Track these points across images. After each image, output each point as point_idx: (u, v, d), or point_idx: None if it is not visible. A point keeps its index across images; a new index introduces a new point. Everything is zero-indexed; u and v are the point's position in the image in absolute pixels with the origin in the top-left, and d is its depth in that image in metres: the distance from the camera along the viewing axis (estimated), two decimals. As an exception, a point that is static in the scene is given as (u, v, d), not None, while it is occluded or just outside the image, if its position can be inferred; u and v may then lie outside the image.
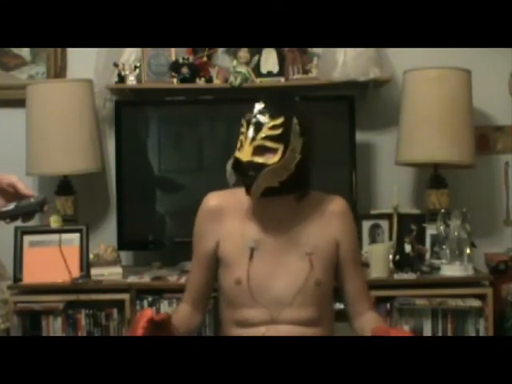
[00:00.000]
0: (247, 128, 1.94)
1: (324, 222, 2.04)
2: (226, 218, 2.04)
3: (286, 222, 2.02)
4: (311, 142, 1.98)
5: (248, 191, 1.97)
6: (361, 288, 2.09)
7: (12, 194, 1.63)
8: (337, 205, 2.07)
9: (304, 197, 2.03)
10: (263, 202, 2.00)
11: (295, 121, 1.93)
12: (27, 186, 1.65)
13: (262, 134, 1.92)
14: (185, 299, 2.13)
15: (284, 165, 1.93)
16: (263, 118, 1.92)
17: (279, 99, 2.00)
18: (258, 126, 1.92)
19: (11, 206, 1.59)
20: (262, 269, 1.99)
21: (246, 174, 1.93)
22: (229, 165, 2.02)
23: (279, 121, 1.92)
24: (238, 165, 1.95)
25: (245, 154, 1.92)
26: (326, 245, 2.03)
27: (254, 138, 1.92)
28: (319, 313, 2.02)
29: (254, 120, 1.93)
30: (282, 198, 1.99)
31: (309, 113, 2.01)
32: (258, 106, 1.94)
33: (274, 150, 1.92)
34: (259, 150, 1.92)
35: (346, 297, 2.09)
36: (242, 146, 1.94)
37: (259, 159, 1.92)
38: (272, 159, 1.92)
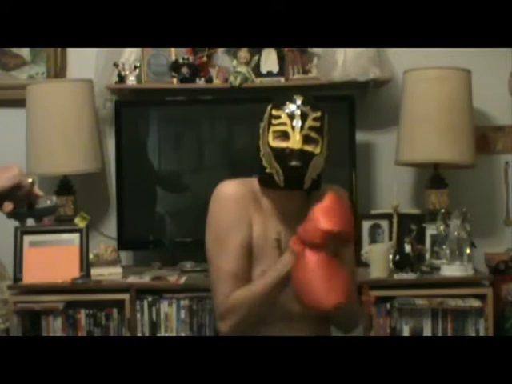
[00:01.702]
0: (290, 119, 1.94)
1: None
2: (247, 205, 2.02)
3: (300, 215, 2.00)
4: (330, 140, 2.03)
5: (274, 184, 1.96)
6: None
7: (21, 195, 1.62)
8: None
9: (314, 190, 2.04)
10: (280, 195, 2.01)
11: (327, 116, 1.99)
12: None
13: (308, 125, 1.94)
14: (229, 291, 1.96)
15: (323, 157, 1.97)
16: (307, 109, 1.95)
17: (311, 96, 2.02)
18: (304, 117, 1.94)
19: (24, 206, 1.60)
20: None
21: (290, 166, 1.93)
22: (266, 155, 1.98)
23: (319, 114, 1.97)
24: (283, 155, 1.94)
25: (295, 142, 1.93)
26: None
27: (302, 127, 1.94)
28: None
29: (298, 111, 1.94)
30: (299, 191, 2.00)
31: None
32: (299, 99, 1.96)
33: (316, 141, 1.96)
34: (306, 140, 1.94)
35: None
36: (285, 135, 1.94)
37: (309, 147, 1.94)
38: (317, 149, 1.96)
